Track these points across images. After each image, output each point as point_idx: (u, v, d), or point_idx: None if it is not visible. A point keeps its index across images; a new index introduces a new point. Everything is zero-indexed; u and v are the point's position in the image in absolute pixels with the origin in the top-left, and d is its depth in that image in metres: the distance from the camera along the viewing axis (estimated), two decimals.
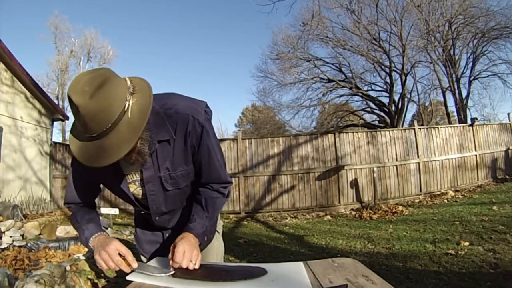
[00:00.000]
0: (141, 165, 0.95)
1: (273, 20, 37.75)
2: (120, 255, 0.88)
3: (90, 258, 3.20)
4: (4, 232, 4.17)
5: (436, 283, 2.58)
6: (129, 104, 0.80)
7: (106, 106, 0.76)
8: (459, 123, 11.99)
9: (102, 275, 3.00)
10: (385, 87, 14.43)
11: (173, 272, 0.87)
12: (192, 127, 0.95)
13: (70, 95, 0.75)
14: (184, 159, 0.99)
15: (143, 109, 0.81)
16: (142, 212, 1.10)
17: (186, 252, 0.87)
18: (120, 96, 0.78)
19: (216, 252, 1.20)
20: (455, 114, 13.87)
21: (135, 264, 0.89)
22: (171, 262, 0.88)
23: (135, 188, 1.03)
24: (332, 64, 15.02)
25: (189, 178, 1.04)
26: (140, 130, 0.80)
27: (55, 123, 8.41)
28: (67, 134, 22.32)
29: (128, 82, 0.84)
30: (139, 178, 1.01)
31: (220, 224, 1.24)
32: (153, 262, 1.00)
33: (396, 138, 7.47)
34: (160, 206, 1.06)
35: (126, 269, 0.88)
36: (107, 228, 4.80)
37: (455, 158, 7.76)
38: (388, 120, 13.67)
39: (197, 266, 0.89)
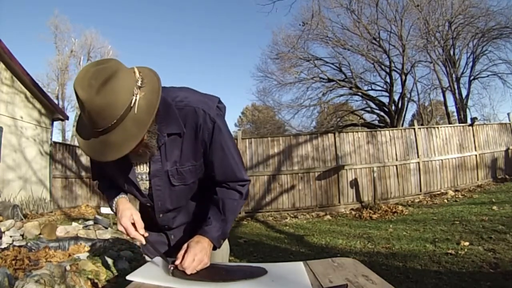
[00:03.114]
0: (149, 157, 0.94)
1: (273, 20, 37.79)
2: (134, 224, 0.96)
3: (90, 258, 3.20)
4: (4, 232, 4.16)
5: (436, 283, 2.57)
6: (136, 99, 0.78)
7: (112, 102, 0.74)
8: (459, 123, 11.99)
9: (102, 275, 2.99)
10: (385, 86, 14.43)
11: (172, 269, 0.87)
12: (203, 121, 0.92)
13: (76, 89, 0.74)
14: (193, 154, 0.96)
15: (150, 105, 0.79)
16: (148, 204, 1.07)
17: (196, 261, 0.86)
18: (127, 91, 0.76)
19: (222, 254, 1.16)
20: (455, 114, 13.91)
21: (142, 231, 0.96)
22: (177, 261, 0.87)
23: (140, 181, 1.01)
24: (332, 63, 15.04)
25: (197, 174, 1.00)
26: (147, 126, 0.78)
27: (55, 123, 8.42)
28: (67, 134, 22.14)
29: (137, 74, 0.81)
30: (147, 172, 0.99)
31: None
32: (154, 262, 1.00)
33: (396, 138, 7.48)
34: (165, 203, 1.03)
35: (138, 242, 0.97)
36: (106, 228, 4.80)
37: (455, 158, 7.76)
38: (388, 120, 13.66)
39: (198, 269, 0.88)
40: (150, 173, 0.98)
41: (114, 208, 1.03)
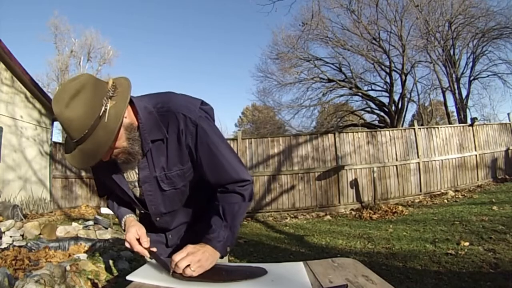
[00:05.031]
0: (136, 164, 0.97)
1: (273, 20, 37.80)
2: (138, 240, 0.98)
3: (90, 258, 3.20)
4: (4, 232, 4.16)
5: (436, 283, 2.58)
6: (105, 109, 0.82)
7: (80, 114, 0.79)
8: (459, 123, 11.99)
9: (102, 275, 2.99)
10: (385, 87, 14.42)
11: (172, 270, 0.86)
12: (184, 126, 0.92)
13: (52, 104, 0.81)
14: (179, 158, 0.97)
15: (118, 112, 0.83)
16: (143, 211, 1.10)
17: (186, 261, 0.84)
18: (95, 103, 0.80)
19: None
20: (455, 114, 13.89)
21: (146, 244, 0.97)
22: (173, 263, 0.87)
23: (132, 188, 1.04)
24: (332, 64, 15.02)
25: (186, 178, 1.01)
26: (114, 133, 0.82)
27: (55, 123, 8.40)
28: None
29: (110, 85, 0.85)
30: (136, 179, 1.01)
31: None
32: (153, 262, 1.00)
33: (396, 138, 7.47)
34: (159, 207, 1.05)
35: (145, 255, 0.98)
36: (106, 228, 4.80)
37: (455, 158, 7.76)
38: (388, 120, 13.65)
39: (194, 274, 0.85)
40: (139, 180, 1.00)
41: (123, 227, 1.07)
